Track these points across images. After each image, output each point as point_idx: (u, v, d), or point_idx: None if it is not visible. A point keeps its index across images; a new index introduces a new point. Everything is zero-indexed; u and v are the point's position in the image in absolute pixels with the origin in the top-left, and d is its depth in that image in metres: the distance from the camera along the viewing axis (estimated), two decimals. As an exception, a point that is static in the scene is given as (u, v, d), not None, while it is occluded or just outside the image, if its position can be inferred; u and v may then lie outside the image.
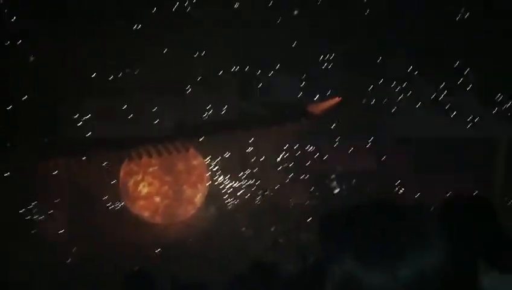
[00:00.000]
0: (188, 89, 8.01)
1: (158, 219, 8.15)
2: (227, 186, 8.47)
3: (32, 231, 7.70)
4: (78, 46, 6.93)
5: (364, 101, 7.92)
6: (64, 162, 7.93)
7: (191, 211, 8.27)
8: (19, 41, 7.09)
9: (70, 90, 7.58)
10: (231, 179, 8.46)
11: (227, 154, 8.29)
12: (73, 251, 7.70)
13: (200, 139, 8.06)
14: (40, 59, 7.11)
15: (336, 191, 8.40)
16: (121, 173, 8.09)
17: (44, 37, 7.00)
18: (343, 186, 8.37)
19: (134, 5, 7.32)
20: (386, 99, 7.97)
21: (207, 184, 8.30)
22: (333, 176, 8.45)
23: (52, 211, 7.95)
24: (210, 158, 8.33)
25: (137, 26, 7.48)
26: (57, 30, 7.15)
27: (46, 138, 7.76)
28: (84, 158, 7.81)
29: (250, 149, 8.34)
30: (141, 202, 8.09)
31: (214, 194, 8.43)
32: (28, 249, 7.44)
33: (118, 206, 8.23)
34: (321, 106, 8.14)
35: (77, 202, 8.02)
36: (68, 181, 8.03)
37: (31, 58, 7.43)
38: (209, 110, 8.11)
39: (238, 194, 8.46)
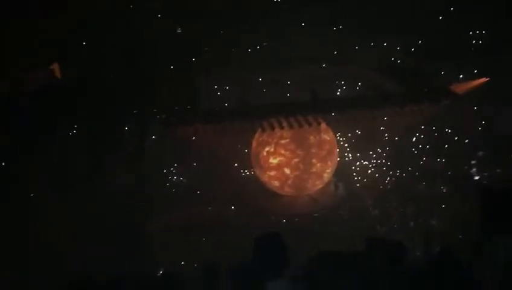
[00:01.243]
0: (324, 63, 7.94)
1: (286, 190, 8.28)
2: (357, 164, 8.30)
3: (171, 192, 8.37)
4: (217, 19, 7.23)
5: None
6: (203, 129, 8.39)
7: (319, 185, 8.27)
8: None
9: (211, 62, 7.96)
10: (361, 157, 8.27)
11: (359, 132, 8.10)
12: (206, 213, 8.22)
13: (333, 114, 7.96)
14: (184, 33, 7.60)
15: (476, 178, 7.78)
16: (254, 143, 8.34)
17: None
18: (484, 174, 7.70)
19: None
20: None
21: (336, 160, 8.21)
22: (473, 162, 7.82)
23: (189, 174, 8.57)
24: (341, 134, 8.20)
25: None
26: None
27: (188, 106, 8.31)
28: (220, 126, 8.21)
29: (384, 128, 8.04)
30: (271, 172, 8.27)
31: (343, 171, 8.32)
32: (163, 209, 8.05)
33: (249, 173, 8.55)
34: (465, 85, 7.52)
35: (212, 167, 8.47)
36: (205, 147, 8.50)
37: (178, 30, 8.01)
38: (344, 85, 7.98)
39: (367, 172, 8.26)
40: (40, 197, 7.30)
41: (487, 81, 7.45)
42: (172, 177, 8.65)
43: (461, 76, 7.73)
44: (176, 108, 8.16)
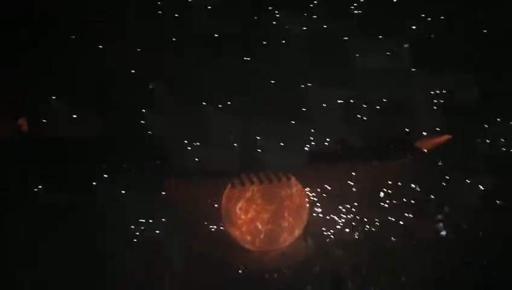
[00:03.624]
0: (292, 119, 8.14)
1: (256, 245, 8.24)
2: (327, 219, 8.36)
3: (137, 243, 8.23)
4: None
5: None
6: (173, 184, 8.38)
7: (290, 240, 8.28)
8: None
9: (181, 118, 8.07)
10: (331, 212, 8.34)
11: (328, 186, 8.22)
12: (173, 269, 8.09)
13: (302, 169, 8.11)
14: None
15: (443, 233, 7.92)
16: (223, 198, 8.35)
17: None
18: (450, 229, 7.85)
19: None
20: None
21: (307, 214, 8.27)
22: (439, 216, 7.98)
23: (159, 230, 8.47)
24: (310, 189, 8.30)
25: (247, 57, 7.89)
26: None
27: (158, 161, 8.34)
28: (190, 181, 8.25)
29: (351, 182, 8.19)
30: (241, 227, 8.26)
31: (312, 225, 8.35)
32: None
33: (218, 229, 8.49)
34: (429, 142, 7.79)
35: (181, 222, 8.41)
36: (175, 202, 8.47)
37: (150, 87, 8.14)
38: (312, 141, 8.16)
39: (337, 227, 8.32)
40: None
41: (450, 138, 7.75)
42: (139, 233, 8.50)
43: (424, 133, 7.99)
44: (147, 164, 8.22)
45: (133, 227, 8.38)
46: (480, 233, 7.62)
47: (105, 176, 8.25)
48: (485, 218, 7.67)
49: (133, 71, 7.96)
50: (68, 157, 7.92)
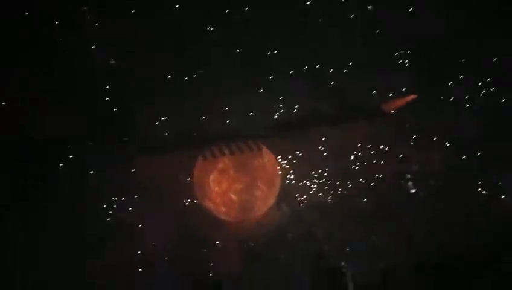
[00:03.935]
0: (260, 88, 8.08)
1: (231, 216, 8.29)
2: (299, 185, 8.45)
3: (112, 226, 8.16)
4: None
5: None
6: (143, 160, 8.26)
7: (263, 208, 8.35)
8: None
9: (148, 92, 7.90)
10: (302, 178, 8.43)
11: (298, 153, 8.27)
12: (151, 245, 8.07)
13: (272, 138, 8.13)
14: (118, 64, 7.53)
15: (412, 191, 8.14)
16: (195, 171, 8.30)
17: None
18: (420, 187, 8.08)
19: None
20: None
21: (279, 182, 8.33)
22: (408, 176, 8.18)
23: (131, 207, 8.38)
24: (281, 157, 8.34)
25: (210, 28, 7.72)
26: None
27: (125, 137, 8.17)
28: (161, 156, 8.14)
29: (321, 148, 8.26)
30: (214, 199, 8.27)
31: (285, 193, 8.43)
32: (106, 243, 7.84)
33: (192, 202, 8.48)
34: (394, 104, 7.90)
35: (155, 198, 8.34)
36: (146, 178, 8.37)
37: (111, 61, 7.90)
38: (281, 109, 8.15)
39: (310, 193, 8.43)
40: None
41: (415, 98, 7.87)
42: (114, 213, 8.41)
43: (391, 94, 8.08)
44: (114, 140, 8.04)
45: (105, 206, 8.29)
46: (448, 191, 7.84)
47: (70, 156, 8.05)
48: (453, 175, 7.90)
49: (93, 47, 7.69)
50: (34, 140, 7.67)
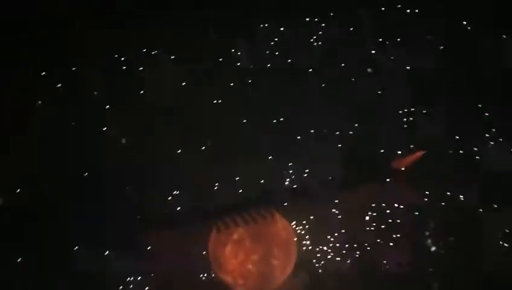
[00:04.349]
0: (269, 156, 8.17)
1: (249, 288, 8.12)
2: (316, 251, 8.32)
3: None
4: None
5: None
6: (156, 237, 8.23)
7: (282, 277, 8.18)
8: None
9: (158, 167, 8.00)
10: (319, 244, 8.32)
11: (312, 218, 8.21)
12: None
13: (284, 205, 8.12)
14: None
15: (433, 249, 7.98)
16: (210, 244, 8.23)
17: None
18: (439, 244, 7.92)
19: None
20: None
21: (295, 249, 8.22)
22: (427, 233, 8.04)
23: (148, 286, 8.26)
24: (296, 223, 8.29)
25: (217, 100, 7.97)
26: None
27: (138, 215, 8.19)
28: (174, 231, 8.12)
29: (335, 211, 8.21)
30: (232, 272, 8.14)
31: (303, 260, 8.29)
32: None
33: (210, 276, 8.34)
34: (405, 161, 7.93)
35: (171, 274, 8.23)
36: (161, 255, 8.29)
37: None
38: (291, 174, 8.20)
39: (327, 257, 8.28)
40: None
41: (424, 154, 7.90)
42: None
43: (399, 152, 8.12)
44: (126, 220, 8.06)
45: (121, 288, 8.17)
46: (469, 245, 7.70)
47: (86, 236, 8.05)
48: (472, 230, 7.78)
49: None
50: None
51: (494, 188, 7.70)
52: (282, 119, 8.01)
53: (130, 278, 8.23)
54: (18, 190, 7.55)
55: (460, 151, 7.94)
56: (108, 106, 7.90)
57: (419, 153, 7.97)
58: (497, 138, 7.88)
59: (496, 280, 6.90)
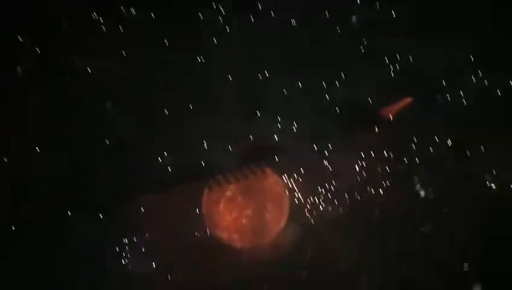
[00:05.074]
0: (258, 111, 8.12)
1: (244, 242, 8.25)
2: (308, 203, 8.43)
3: (126, 264, 8.10)
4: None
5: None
6: (149, 199, 8.23)
7: (276, 230, 8.31)
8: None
9: (146, 131, 7.91)
10: (310, 196, 8.41)
11: (303, 172, 8.27)
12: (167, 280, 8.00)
13: (275, 159, 8.14)
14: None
15: (422, 194, 8.13)
16: (203, 203, 8.27)
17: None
18: (429, 190, 8.07)
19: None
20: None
21: (287, 203, 8.32)
22: (416, 178, 8.18)
23: (143, 246, 8.32)
24: (287, 177, 8.34)
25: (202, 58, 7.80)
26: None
27: (129, 178, 8.14)
28: (166, 192, 8.11)
29: (326, 163, 8.27)
30: (227, 228, 8.23)
31: (295, 212, 8.40)
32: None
33: (205, 234, 8.43)
34: (392, 109, 7.94)
35: (166, 234, 8.29)
36: (154, 216, 8.33)
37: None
38: (281, 129, 8.18)
39: (319, 209, 8.40)
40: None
41: (411, 101, 7.91)
42: (125, 254, 8.34)
43: (390, 101, 8.12)
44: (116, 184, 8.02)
45: (117, 249, 8.23)
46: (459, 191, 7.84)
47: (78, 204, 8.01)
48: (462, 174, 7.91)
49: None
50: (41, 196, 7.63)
51: (482, 131, 7.77)
52: (267, 74, 7.89)
53: (125, 239, 8.28)
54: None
55: (448, 97, 7.97)
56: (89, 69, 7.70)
57: (407, 100, 7.96)
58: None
59: (489, 221, 7.07)
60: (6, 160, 7.23)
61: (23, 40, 7.11)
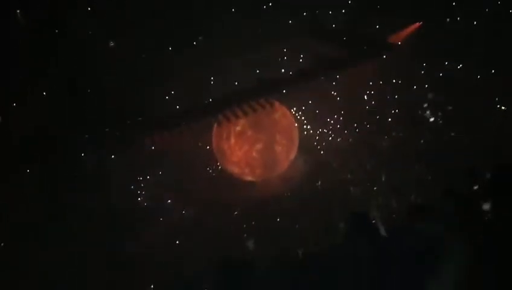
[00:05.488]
0: (263, 44, 7.97)
1: (257, 176, 8.37)
2: (317, 134, 8.46)
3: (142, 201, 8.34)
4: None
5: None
6: (160, 136, 8.29)
7: (286, 162, 8.40)
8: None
9: (152, 69, 7.84)
10: (319, 127, 8.43)
11: (311, 102, 8.23)
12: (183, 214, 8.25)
13: (282, 92, 8.06)
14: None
15: (431, 120, 8.08)
16: (214, 138, 8.34)
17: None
18: (438, 115, 8.02)
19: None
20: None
21: (297, 134, 8.34)
22: (425, 105, 8.10)
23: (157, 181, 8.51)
24: (295, 109, 8.32)
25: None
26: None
27: (139, 117, 8.17)
28: (176, 130, 8.16)
29: (333, 93, 8.20)
30: (237, 162, 8.33)
31: (305, 144, 8.46)
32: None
33: (216, 169, 8.57)
34: (401, 34, 7.73)
35: (179, 172, 8.43)
36: (166, 153, 8.43)
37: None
38: (286, 61, 8.06)
39: (329, 139, 8.44)
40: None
41: (420, 25, 7.68)
42: (141, 192, 8.55)
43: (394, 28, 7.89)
44: (127, 121, 8.05)
45: (132, 187, 8.42)
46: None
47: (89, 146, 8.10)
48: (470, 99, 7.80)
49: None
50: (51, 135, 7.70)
51: (491, 57, 7.56)
52: (271, 4, 7.67)
53: (140, 177, 8.47)
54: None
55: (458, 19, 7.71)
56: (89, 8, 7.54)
57: (415, 26, 7.74)
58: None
59: (493, 145, 7.03)
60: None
61: None
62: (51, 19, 7.27)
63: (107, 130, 8.01)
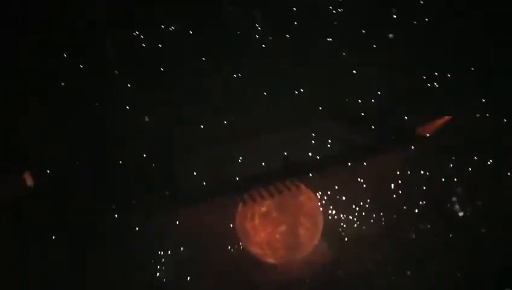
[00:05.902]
0: (292, 127, 8.15)
1: (279, 258, 8.24)
2: (342, 220, 8.36)
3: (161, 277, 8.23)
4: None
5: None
6: (184, 212, 8.35)
7: (309, 247, 8.27)
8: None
9: (182, 143, 8.06)
10: (345, 213, 8.34)
11: (337, 188, 8.22)
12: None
13: (309, 176, 8.10)
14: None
15: (461, 214, 7.92)
16: (238, 217, 8.33)
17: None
18: (468, 210, 7.86)
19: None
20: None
21: (322, 219, 8.26)
22: (454, 198, 7.97)
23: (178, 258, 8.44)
24: (321, 194, 8.31)
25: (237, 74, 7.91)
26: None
27: (166, 192, 8.29)
28: (201, 205, 8.21)
29: (360, 180, 8.19)
30: (260, 243, 8.24)
31: (329, 229, 8.35)
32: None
33: (238, 249, 8.48)
34: (430, 127, 7.80)
35: (200, 247, 8.37)
36: (189, 229, 8.43)
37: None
38: (314, 145, 8.17)
39: (354, 226, 8.32)
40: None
41: (450, 119, 7.75)
42: (161, 267, 8.48)
43: (424, 118, 7.99)
44: (154, 196, 8.16)
45: (153, 261, 8.37)
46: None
47: (115, 216, 8.19)
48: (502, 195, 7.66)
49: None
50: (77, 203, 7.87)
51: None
52: (302, 90, 7.92)
53: (160, 252, 8.43)
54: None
55: (487, 115, 7.76)
56: (130, 85, 7.94)
57: (445, 119, 7.81)
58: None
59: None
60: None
61: None
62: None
63: (133, 202, 8.17)
